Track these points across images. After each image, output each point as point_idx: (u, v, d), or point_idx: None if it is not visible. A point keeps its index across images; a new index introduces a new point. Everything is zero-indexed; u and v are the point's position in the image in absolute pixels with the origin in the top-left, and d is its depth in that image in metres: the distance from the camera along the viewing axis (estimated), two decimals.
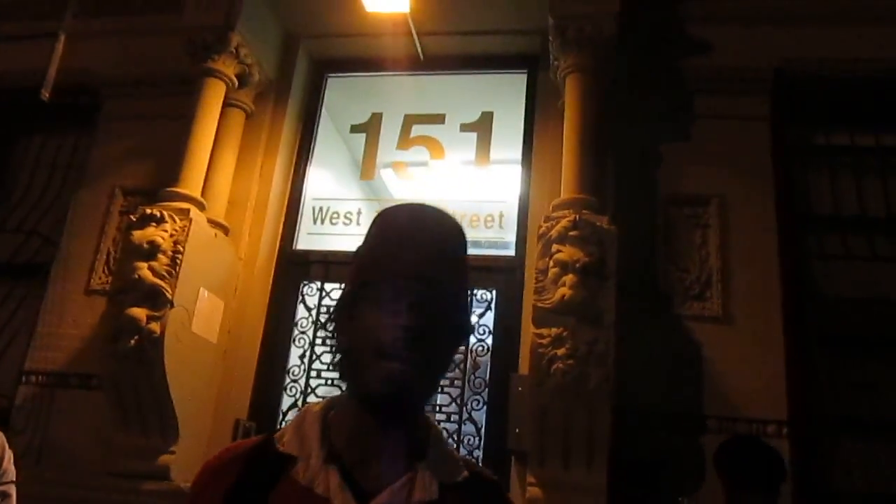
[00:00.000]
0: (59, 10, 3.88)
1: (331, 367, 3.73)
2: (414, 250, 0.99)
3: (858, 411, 3.21)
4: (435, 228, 1.04)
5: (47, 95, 3.30)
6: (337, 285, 3.87)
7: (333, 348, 1.03)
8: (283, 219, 4.01)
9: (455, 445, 3.47)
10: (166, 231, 3.31)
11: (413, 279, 0.97)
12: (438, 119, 4.13)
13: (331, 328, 1.05)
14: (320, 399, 3.69)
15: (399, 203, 1.09)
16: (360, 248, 1.07)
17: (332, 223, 4.07)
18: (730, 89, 3.64)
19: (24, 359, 3.81)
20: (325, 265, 3.89)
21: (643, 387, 3.12)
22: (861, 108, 3.66)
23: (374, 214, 3.73)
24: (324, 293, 3.87)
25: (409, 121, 4.14)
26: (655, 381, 3.15)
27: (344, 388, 1.03)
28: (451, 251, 1.04)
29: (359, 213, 4.08)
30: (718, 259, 3.34)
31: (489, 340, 3.62)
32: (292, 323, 3.84)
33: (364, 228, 3.74)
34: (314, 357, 3.78)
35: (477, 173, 4.01)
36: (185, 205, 3.41)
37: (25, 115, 4.25)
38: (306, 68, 4.29)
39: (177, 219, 3.34)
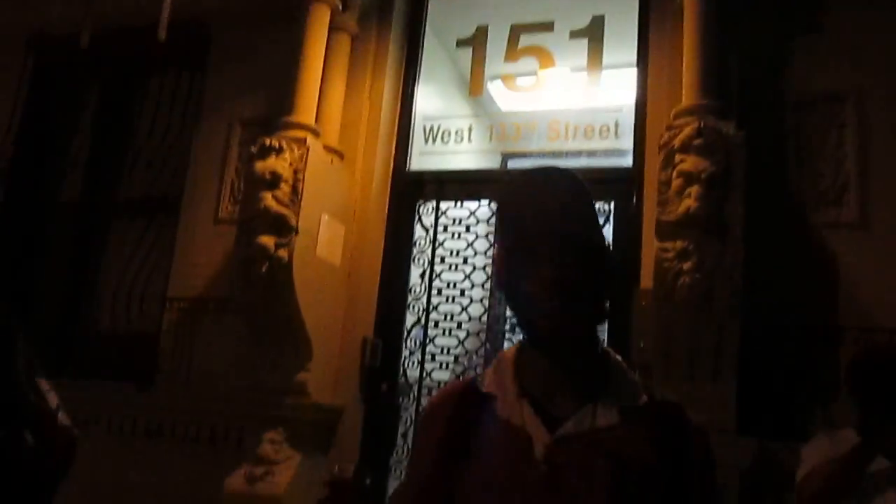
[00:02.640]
0: None
1: (451, 286, 3.82)
2: (547, 213, 1.12)
3: None
4: (561, 189, 1.15)
5: (163, 36, 3.39)
6: (452, 203, 3.90)
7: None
8: (394, 140, 4.02)
9: None
10: (286, 160, 3.41)
11: (550, 239, 1.10)
12: (546, 27, 3.95)
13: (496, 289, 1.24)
14: (442, 316, 3.78)
15: (522, 170, 1.23)
16: (498, 211, 1.25)
17: (443, 142, 4.06)
18: None
19: (166, 287, 4.10)
20: (440, 184, 3.91)
21: (774, 299, 3.00)
22: None
23: (485, 131, 3.68)
24: (440, 212, 3.90)
25: (516, 31, 3.99)
26: (787, 292, 3.03)
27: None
28: (577, 206, 1.15)
29: (469, 129, 4.03)
30: (856, 161, 3.11)
31: None
32: (411, 243, 3.92)
33: (474, 145, 3.70)
34: (434, 275, 3.86)
35: (589, 81, 3.86)
36: (301, 133, 3.48)
37: (141, 55, 4.39)
38: None
39: (294, 148, 3.43)
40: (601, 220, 3.59)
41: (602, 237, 1.21)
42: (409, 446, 3.61)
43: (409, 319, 3.86)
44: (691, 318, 2.86)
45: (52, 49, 4.61)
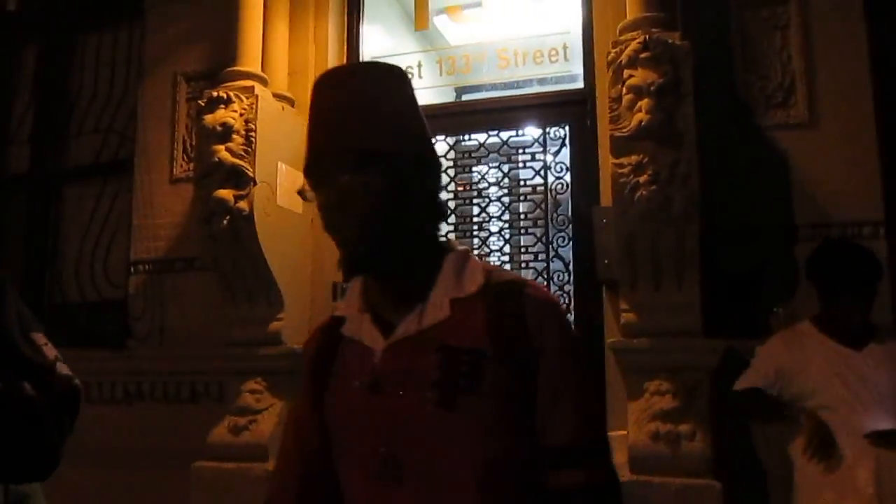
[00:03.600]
0: None
1: None
2: (328, 127, 1.04)
3: None
4: (347, 91, 1.06)
5: None
6: None
7: None
8: None
9: (545, 283, 3.56)
10: (236, 111, 3.35)
11: (329, 157, 1.04)
12: None
13: None
14: None
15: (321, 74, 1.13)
16: None
17: None
18: None
19: (128, 251, 4.05)
20: None
21: (730, 203, 3.08)
22: None
23: (435, 66, 3.58)
24: None
25: None
26: (742, 195, 3.10)
27: None
28: (364, 109, 1.05)
29: (419, 65, 3.99)
30: (801, 60, 3.16)
31: (567, 177, 3.60)
32: None
33: (425, 81, 3.64)
34: None
35: (534, 6, 3.84)
36: (248, 82, 3.42)
37: (76, 15, 4.25)
38: None
39: (243, 97, 3.37)
40: (557, 146, 3.66)
41: (406, 140, 1.08)
42: None
43: None
44: (651, 229, 2.90)
45: None
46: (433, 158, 1.14)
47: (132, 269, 4.02)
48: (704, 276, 2.93)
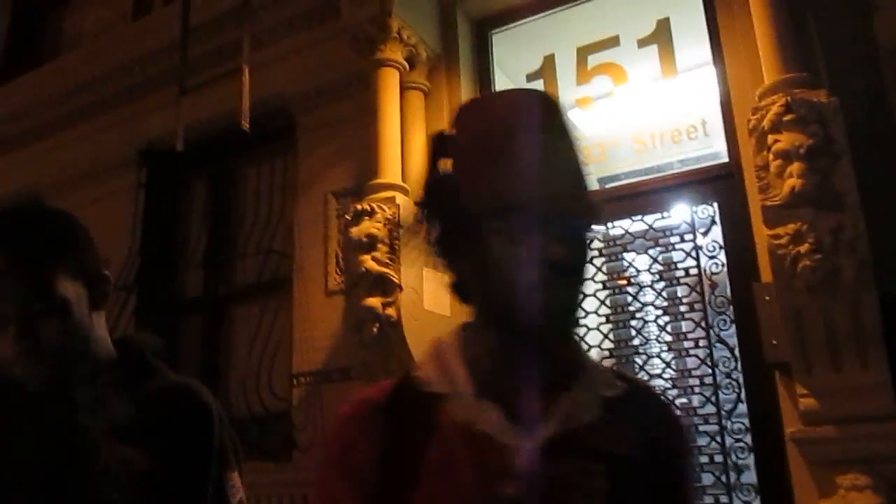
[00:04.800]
0: (237, 49, 4.18)
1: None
2: (536, 170, 0.89)
3: None
4: (542, 126, 0.91)
5: (247, 126, 3.62)
6: None
7: (452, 272, 1.01)
8: None
9: (710, 370, 3.31)
10: (379, 222, 3.49)
11: (545, 204, 0.88)
12: (612, 42, 3.90)
13: (442, 255, 1.02)
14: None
15: (480, 99, 1.01)
16: (456, 163, 0.98)
17: None
18: None
19: (290, 364, 4.24)
20: None
21: None
22: None
23: None
24: None
25: (583, 53, 3.96)
26: None
27: (476, 316, 1.00)
28: (576, 153, 0.93)
29: None
30: None
31: (721, 256, 3.39)
32: None
33: None
34: None
35: (666, 87, 3.76)
36: (389, 193, 3.57)
37: (237, 149, 4.69)
38: (468, 32, 4.26)
39: (385, 208, 3.51)
40: (707, 226, 3.47)
41: (586, 186, 0.95)
42: None
43: None
44: (820, 302, 2.64)
45: (160, 160, 4.99)
46: None
47: (294, 381, 4.18)
48: (892, 350, 2.59)
